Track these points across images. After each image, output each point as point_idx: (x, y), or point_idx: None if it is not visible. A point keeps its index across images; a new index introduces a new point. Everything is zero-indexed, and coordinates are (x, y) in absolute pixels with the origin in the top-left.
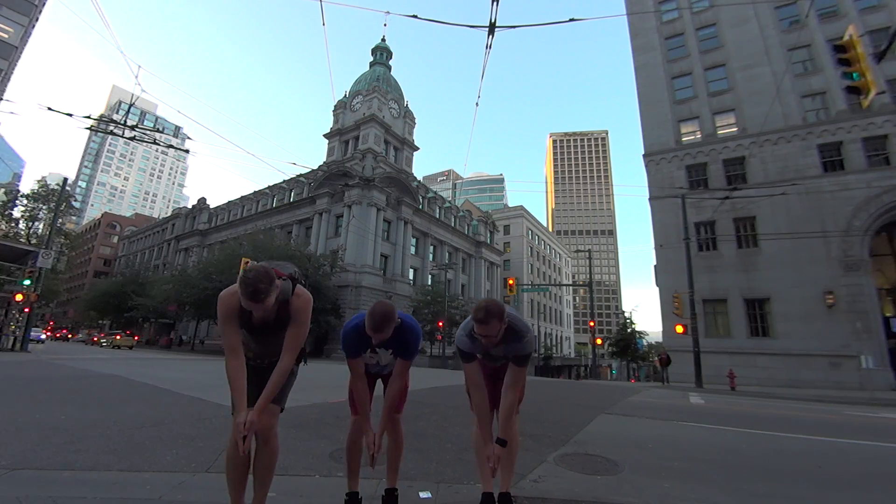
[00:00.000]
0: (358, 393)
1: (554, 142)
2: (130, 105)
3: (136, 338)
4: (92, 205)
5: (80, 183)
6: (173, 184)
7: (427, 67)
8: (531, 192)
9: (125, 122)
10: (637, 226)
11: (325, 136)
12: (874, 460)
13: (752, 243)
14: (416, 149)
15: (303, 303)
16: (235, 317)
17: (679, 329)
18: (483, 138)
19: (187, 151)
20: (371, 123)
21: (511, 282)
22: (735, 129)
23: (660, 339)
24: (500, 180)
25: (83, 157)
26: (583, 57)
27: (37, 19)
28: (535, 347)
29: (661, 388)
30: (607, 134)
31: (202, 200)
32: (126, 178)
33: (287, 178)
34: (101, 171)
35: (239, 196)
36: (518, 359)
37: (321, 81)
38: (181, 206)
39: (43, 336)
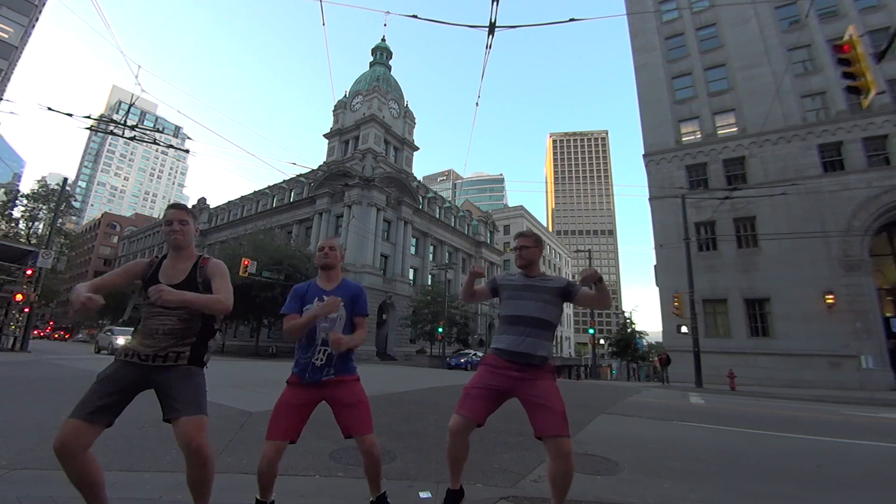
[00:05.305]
0: (283, 401)
1: (554, 142)
2: (130, 105)
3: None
4: (92, 205)
5: (80, 183)
6: (173, 184)
7: (427, 67)
8: (531, 192)
9: (125, 122)
10: (637, 226)
11: (325, 136)
12: (874, 460)
13: (752, 243)
14: (416, 149)
15: (220, 264)
16: (137, 269)
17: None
18: (483, 138)
19: (187, 151)
20: (371, 123)
21: None
22: (735, 129)
23: (660, 339)
24: (500, 180)
25: (83, 157)
26: (583, 57)
27: (37, 19)
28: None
29: (661, 388)
30: (607, 134)
31: (202, 200)
32: (126, 178)
33: (287, 178)
34: (101, 171)
35: (239, 196)
36: (571, 285)
37: (321, 81)
38: None
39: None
